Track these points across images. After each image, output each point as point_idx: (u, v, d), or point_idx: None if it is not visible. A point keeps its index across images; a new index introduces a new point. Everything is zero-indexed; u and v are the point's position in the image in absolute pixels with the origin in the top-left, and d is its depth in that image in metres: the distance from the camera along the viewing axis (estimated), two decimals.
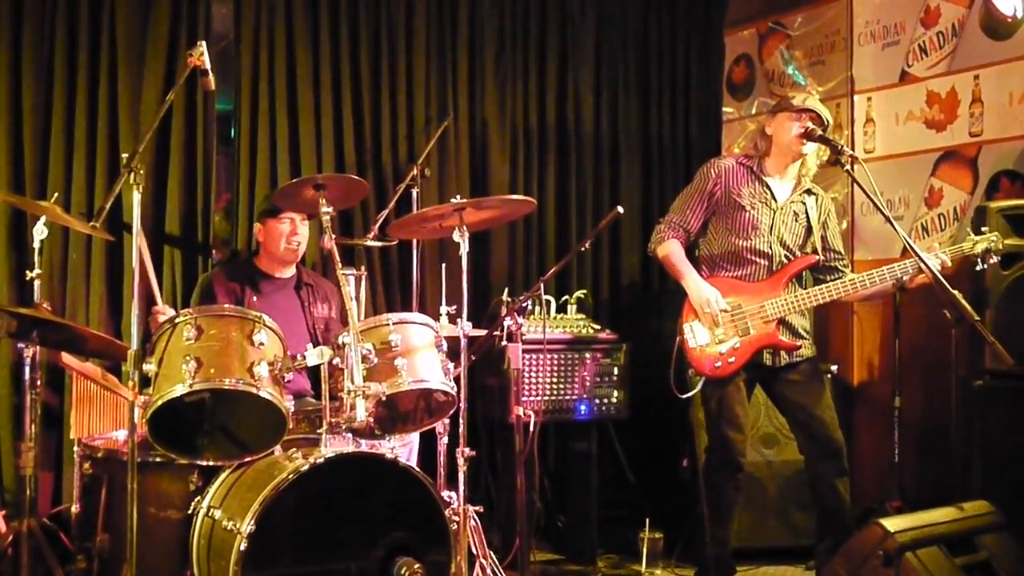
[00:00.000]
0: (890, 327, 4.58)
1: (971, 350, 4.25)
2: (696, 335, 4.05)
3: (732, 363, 4.02)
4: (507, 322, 3.96)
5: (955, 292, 3.45)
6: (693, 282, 4.09)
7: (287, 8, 4.91)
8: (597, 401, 4.66)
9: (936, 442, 4.64)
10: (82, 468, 3.72)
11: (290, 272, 4.37)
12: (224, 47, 4.95)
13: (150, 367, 3.33)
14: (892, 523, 3.22)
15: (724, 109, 6.00)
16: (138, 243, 3.25)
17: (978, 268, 3.98)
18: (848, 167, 3.83)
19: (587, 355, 4.65)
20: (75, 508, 3.75)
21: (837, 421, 4.11)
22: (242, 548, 3.16)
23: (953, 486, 4.17)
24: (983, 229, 4.02)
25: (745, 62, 5.98)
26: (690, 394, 4.11)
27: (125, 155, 3.23)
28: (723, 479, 4.13)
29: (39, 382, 3.64)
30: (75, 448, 3.78)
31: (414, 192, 4.67)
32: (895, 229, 3.56)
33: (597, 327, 4.78)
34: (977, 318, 3.43)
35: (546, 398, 4.56)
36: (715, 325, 4.01)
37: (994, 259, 3.97)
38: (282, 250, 4.27)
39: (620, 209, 3.92)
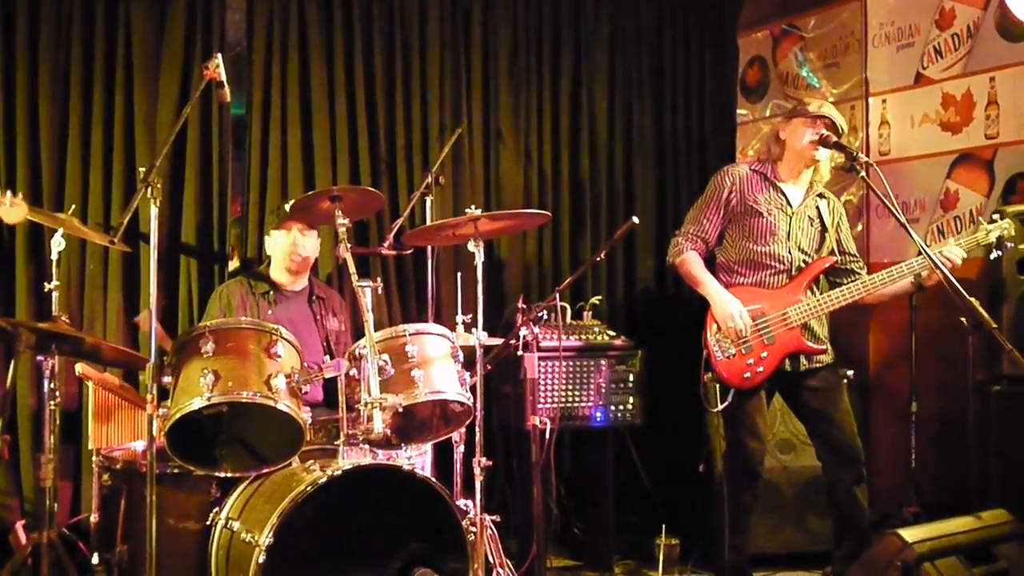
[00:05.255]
0: (907, 332, 4.56)
1: (988, 355, 4.23)
2: (722, 347, 4.03)
3: (760, 372, 4.01)
4: (523, 331, 3.96)
5: (972, 300, 3.42)
6: (716, 293, 4.07)
7: (300, 15, 4.92)
8: (613, 408, 4.64)
9: (953, 447, 4.62)
10: (101, 479, 3.75)
11: (302, 284, 4.39)
12: (237, 53, 4.96)
13: (168, 380, 3.37)
14: (910, 533, 3.21)
15: (738, 111, 5.98)
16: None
17: (992, 257, 4.06)
18: (863, 173, 3.82)
19: (602, 362, 4.64)
20: (94, 518, 3.78)
21: (855, 428, 4.10)
22: (260, 560, 3.18)
23: (971, 491, 4.16)
24: (994, 217, 4.09)
25: (759, 64, 5.96)
26: (722, 407, 4.02)
27: (142, 169, 3.24)
28: (742, 487, 4.11)
29: (58, 393, 3.66)
30: (94, 458, 3.81)
31: (428, 200, 4.66)
32: (910, 234, 3.54)
33: (612, 334, 4.77)
34: (995, 325, 3.40)
35: (562, 405, 4.55)
36: (739, 339, 3.99)
37: (1009, 246, 4.03)
38: (287, 261, 4.29)
39: (635, 220, 3.92)
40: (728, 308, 4.01)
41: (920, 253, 3.76)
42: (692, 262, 4.17)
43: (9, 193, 3.35)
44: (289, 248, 4.27)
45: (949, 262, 3.83)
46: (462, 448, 4.04)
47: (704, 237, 4.20)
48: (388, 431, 3.57)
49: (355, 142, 5.01)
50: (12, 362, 3.64)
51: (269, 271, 4.37)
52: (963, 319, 3.86)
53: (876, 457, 4.97)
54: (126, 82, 4.63)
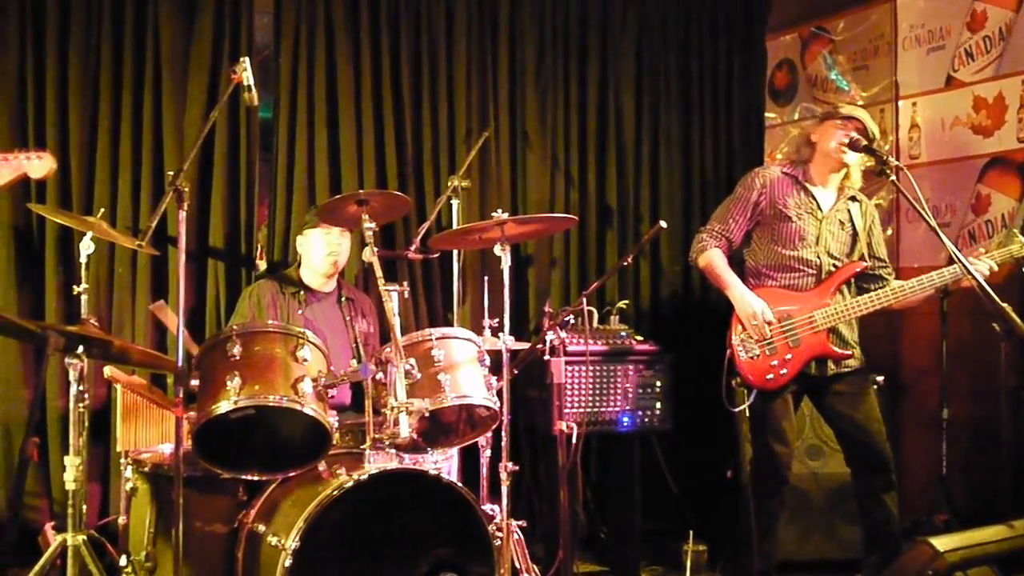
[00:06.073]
0: (938, 337, 4.52)
1: (1020, 361, 4.19)
2: (746, 347, 4.02)
3: (784, 375, 3.99)
4: (549, 335, 3.95)
5: (1004, 305, 3.39)
6: (739, 293, 4.06)
7: (327, 19, 4.93)
8: (640, 412, 4.62)
9: (985, 454, 4.57)
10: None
11: (332, 285, 4.39)
12: (265, 57, 4.98)
13: (195, 383, 3.37)
14: (941, 542, 3.17)
15: (766, 114, 5.95)
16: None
17: None
18: (893, 177, 3.79)
19: (630, 366, 4.62)
20: (122, 520, 3.79)
21: (885, 434, 4.07)
22: (287, 564, 3.18)
23: (1003, 499, 4.11)
24: None
25: (787, 67, 5.92)
26: (742, 407, 4.06)
27: (170, 172, 3.26)
28: (768, 493, 4.09)
29: (86, 395, 3.68)
30: (122, 460, 3.82)
31: (455, 204, 4.66)
32: (941, 239, 3.50)
33: (639, 338, 4.75)
34: None
35: (588, 410, 4.53)
36: (763, 338, 3.98)
37: None
38: (321, 263, 4.29)
39: (663, 223, 3.90)
40: (752, 307, 4.00)
41: (951, 260, 3.72)
42: (717, 261, 4.15)
43: (22, 153, 3.34)
44: (328, 247, 4.27)
45: (984, 263, 3.82)
46: (488, 453, 4.04)
47: (729, 236, 4.18)
48: (415, 435, 3.56)
49: (382, 145, 5.01)
50: (42, 365, 3.65)
51: (299, 272, 4.38)
52: (995, 325, 3.82)
53: (906, 464, 4.92)
54: (154, 86, 4.66)
